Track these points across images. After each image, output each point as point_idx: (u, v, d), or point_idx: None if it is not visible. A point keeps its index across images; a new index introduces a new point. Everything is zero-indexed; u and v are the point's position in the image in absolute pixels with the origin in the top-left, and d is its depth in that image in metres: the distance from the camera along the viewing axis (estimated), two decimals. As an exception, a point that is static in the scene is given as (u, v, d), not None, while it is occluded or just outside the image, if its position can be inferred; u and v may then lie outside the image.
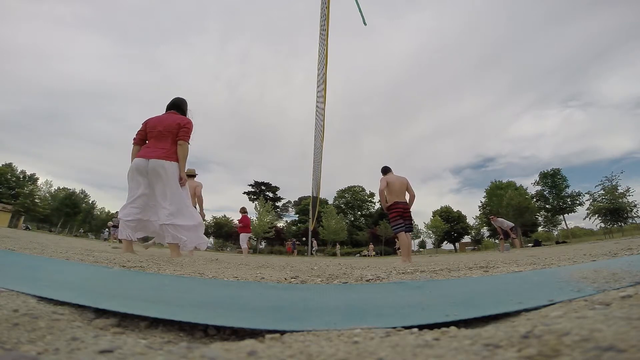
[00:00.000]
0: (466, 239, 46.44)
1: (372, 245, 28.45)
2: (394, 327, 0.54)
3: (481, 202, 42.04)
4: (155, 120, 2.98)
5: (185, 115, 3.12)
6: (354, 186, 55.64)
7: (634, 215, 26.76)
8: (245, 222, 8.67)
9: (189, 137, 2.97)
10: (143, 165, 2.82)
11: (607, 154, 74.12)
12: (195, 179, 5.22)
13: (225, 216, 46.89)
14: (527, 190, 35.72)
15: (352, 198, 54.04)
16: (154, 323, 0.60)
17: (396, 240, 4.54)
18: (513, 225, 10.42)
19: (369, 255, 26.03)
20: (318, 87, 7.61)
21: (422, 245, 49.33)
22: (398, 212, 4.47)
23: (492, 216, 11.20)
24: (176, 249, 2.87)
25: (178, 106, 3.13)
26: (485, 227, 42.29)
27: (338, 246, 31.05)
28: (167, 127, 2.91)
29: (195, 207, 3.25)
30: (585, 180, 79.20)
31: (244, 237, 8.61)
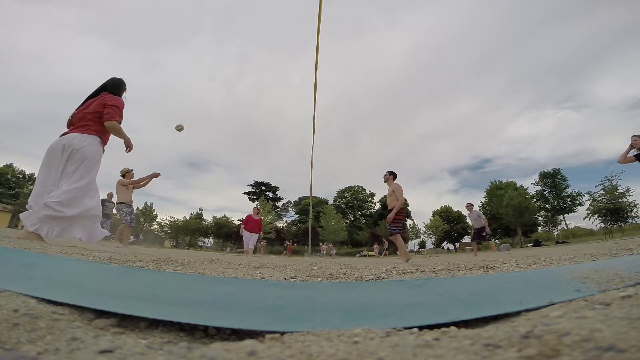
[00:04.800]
0: (466, 239, 46.42)
1: (377, 245, 28.17)
2: (394, 327, 0.54)
3: (481, 202, 42.05)
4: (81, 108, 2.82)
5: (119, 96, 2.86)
6: (354, 186, 55.65)
7: (634, 215, 26.76)
8: (257, 222, 8.38)
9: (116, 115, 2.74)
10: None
11: (602, 155, 74.13)
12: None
13: (225, 216, 46.96)
14: (527, 190, 35.70)
15: (352, 198, 54.03)
16: (154, 323, 0.60)
17: (392, 240, 4.99)
18: (484, 226, 8.54)
19: (377, 255, 25.50)
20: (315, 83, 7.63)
21: (422, 245, 49.33)
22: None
23: (469, 204, 8.75)
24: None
25: (104, 87, 2.87)
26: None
27: (325, 246, 27.71)
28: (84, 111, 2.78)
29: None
30: (582, 181, 79.37)
31: (254, 239, 8.27)
